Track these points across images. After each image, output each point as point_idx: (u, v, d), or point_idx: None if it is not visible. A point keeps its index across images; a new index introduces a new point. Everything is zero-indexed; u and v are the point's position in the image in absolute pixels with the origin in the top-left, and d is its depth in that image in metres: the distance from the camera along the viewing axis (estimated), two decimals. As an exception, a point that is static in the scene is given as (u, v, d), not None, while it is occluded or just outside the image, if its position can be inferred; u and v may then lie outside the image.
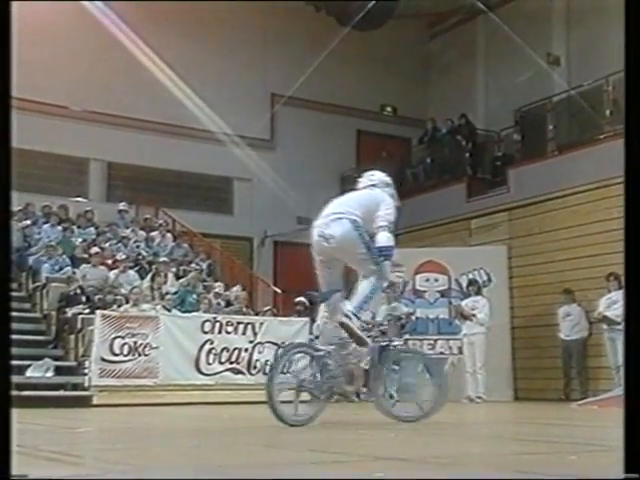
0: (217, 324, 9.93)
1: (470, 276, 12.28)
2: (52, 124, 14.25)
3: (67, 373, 9.60)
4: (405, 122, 17.84)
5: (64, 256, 11.90)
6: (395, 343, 11.56)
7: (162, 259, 12.46)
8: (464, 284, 12.23)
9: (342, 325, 5.34)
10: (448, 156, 15.37)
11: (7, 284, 1.86)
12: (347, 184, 17.46)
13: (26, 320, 10.74)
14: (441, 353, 12.23)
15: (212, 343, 9.84)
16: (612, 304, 10.30)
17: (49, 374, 9.30)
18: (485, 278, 12.45)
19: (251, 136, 15.79)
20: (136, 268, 12.16)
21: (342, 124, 17.26)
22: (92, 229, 13.18)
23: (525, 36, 12.99)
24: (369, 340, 6.31)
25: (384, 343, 11.69)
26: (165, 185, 15.99)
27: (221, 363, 9.85)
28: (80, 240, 12.67)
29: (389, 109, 18.13)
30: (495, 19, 13.76)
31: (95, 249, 11.95)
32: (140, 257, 12.88)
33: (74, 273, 11.30)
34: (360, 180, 5.56)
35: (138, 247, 13.22)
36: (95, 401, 8.70)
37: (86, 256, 11.93)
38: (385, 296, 12.13)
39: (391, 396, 11.91)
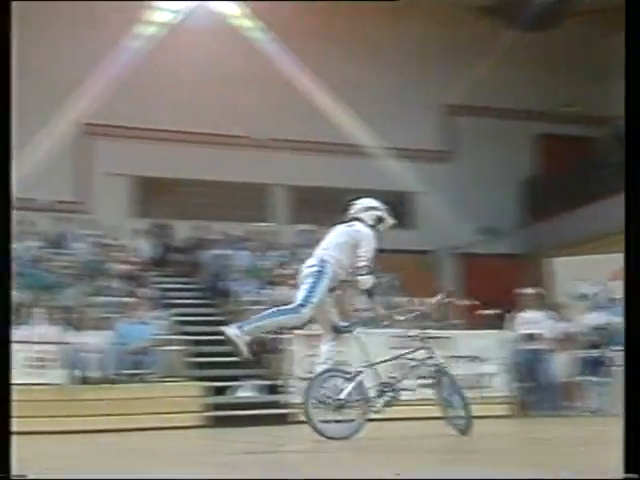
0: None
1: None
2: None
3: (271, 392, 9.90)
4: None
5: (259, 280, 12.21)
6: None
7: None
8: None
9: None
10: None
11: (8, 289, 1.86)
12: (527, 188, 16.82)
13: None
14: None
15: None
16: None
17: (252, 393, 9.80)
18: None
19: (422, 148, 15.83)
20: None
21: (519, 129, 16.82)
22: (281, 252, 13.47)
23: None
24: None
25: None
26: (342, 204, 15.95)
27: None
28: (269, 263, 13.03)
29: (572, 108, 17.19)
30: None
31: (282, 270, 11.98)
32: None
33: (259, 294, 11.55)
34: None
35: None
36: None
37: (277, 279, 11.87)
38: None
39: None
